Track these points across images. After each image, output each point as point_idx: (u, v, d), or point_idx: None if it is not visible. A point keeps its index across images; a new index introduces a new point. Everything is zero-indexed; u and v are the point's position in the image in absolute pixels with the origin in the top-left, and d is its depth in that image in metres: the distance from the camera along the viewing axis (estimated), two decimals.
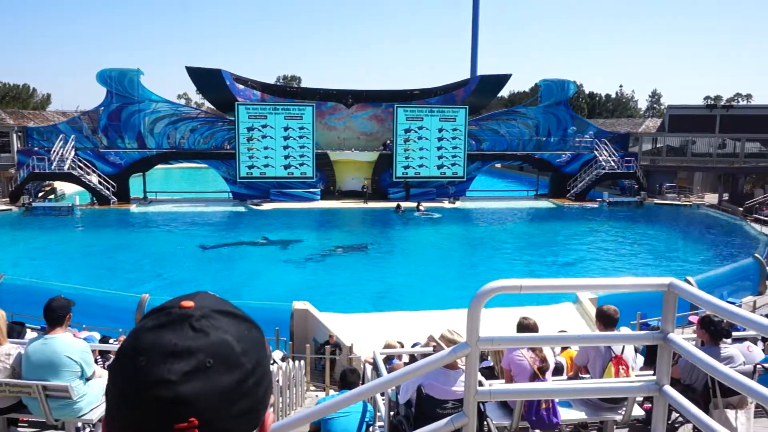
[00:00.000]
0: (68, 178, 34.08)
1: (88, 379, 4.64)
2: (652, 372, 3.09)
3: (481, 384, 2.94)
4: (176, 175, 54.61)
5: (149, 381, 0.71)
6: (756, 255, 19.97)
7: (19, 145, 34.94)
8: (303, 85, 71.01)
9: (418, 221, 32.47)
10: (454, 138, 38.33)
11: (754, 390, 2.11)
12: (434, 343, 4.40)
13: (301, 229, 29.40)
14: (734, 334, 6.37)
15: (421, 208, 34.73)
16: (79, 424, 4.84)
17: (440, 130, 38.15)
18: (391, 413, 4.84)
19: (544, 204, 38.86)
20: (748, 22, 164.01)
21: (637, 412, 5.11)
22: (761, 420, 4.86)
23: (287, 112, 36.52)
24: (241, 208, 35.33)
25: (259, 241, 26.96)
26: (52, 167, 33.29)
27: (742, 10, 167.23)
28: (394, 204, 35.81)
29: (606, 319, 5.31)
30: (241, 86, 37.23)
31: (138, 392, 0.72)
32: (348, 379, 5.59)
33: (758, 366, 4.99)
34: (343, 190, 38.61)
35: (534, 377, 4.86)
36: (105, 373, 4.68)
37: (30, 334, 7.41)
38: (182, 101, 75.31)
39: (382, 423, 5.06)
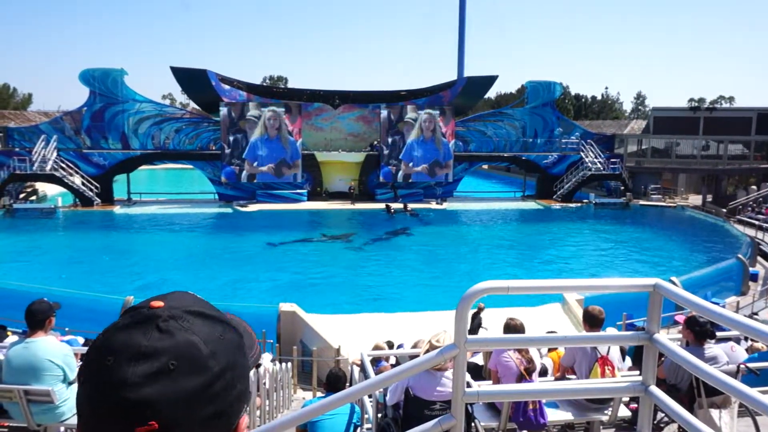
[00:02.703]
0: (50, 179, 33.61)
1: (70, 383, 4.57)
2: (638, 372, 3.10)
3: (469, 385, 2.94)
4: (161, 176, 54.14)
5: (113, 382, 0.71)
6: (739, 256, 20.24)
7: None
8: (289, 85, 70.99)
9: (405, 222, 32.48)
10: None
11: (737, 389, 2.13)
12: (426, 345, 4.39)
13: (288, 231, 29.27)
14: (718, 334, 6.44)
15: (408, 208, 34.77)
16: (62, 429, 4.76)
17: None
18: (379, 415, 4.82)
19: (531, 205, 39.08)
20: (731, 25, 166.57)
21: (624, 412, 5.14)
22: (744, 419, 4.91)
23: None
24: (227, 210, 35.11)
25: (316, 238, 28.01)
26: (34, 168, 32.79)
27: (725, 13, 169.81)
28: (381, 205, 35.83)
29: (592, 320, 5.34)
30: (226, 86, 37.02)
31: (102, 393, 0.72)
32: (334, 381, 5.57)
33: (741, 366, 5.04)
34: (330, 191, 38.53)
35: (520, 378, 4.88)
36: None
37: (11, 338, 7.29)
38: (167, 102, 74.80)
39: (369, 425, 5.05)
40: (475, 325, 11.24)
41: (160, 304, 0.78)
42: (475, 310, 11.42)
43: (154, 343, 0.73)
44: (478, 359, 6.70)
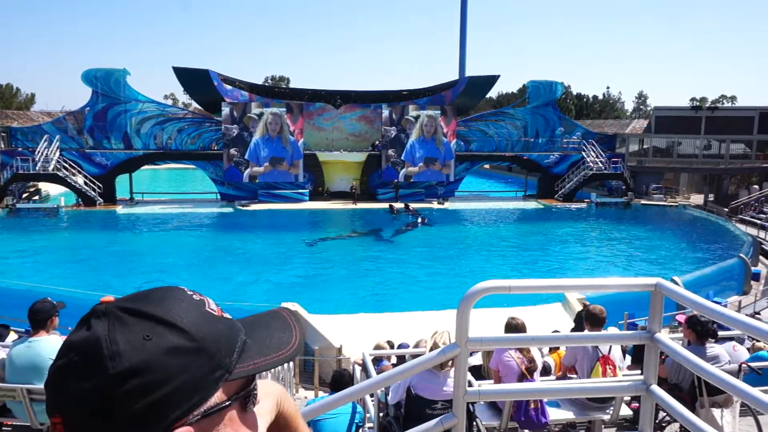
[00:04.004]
0: (53, 179, 33.65)
1: None
2: (639, 371, 3.11)
3: (470, 384, 2.94)
4: (163, 176, 54.20)
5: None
6: (741, 255, 20.22)
7: (2, 146, 34.44)
8: (291, 85, 70.91)
9: (407, 222, 32.42)
10: None
11: (739, 389, 2.14)
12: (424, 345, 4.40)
13: (289, 230, 29.30)
14: (720, 333, 6.44)
15: (410, 208, 34.72)
16: None
17: None
18: (381, 414, 4.83)
19: (533, 205, 39.05)
20: (733, 25, 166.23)
21: (625, 411, 5.14)
22: (746, 418, 4.91)
23: None
24: (229, 209, 35.15)
25: (349, 234, 28.81)
26: (37, 168, 32.81)
27: (727, 12, 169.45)
28: (382, 205, 35.80)
29: (593, 319, 5.35)
30: (228, 87, 37.03)
31: None
32: (339, 382, 5.58)
33: (743, 365, 5.04)
34: (331, 191, 38.54)
35: (522, 378, 4.88)
36: None
37: (13, 337, 7.31)
38: (169, 102, 74.86)
39: (371, 424, 5.06)
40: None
41: (110, 299, 0.78)
42: (580, 309, 10.85)
43: (72, 338, 0.73)
44: (477, 359, 6.68)
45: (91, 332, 0.71)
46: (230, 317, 0.84)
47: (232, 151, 35.52)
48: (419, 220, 32.11)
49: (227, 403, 0.76)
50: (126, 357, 0.69)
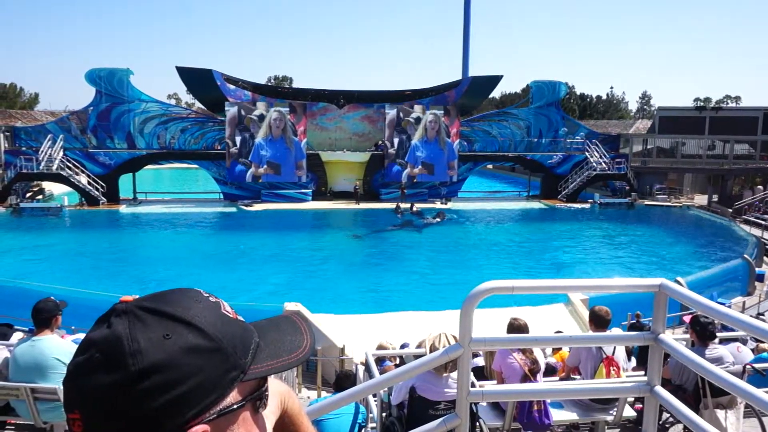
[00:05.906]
0: (57, 178, 33.75)
1: None
2: (643, 372, 3.10)
3: (473, 385, 2.94)
4: (166, 175, 54.29)
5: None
6: (745, 256, 20.15)
7: (6, 145, 34.50)
8: (294, 85, 70.94)
9: (411, 222, 32.38)
10: None
11: (743, 390, 2.12)
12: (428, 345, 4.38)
13: (292, 230, 29.30)
14: (724, 334, 6.43)
15: (415, 208, 34.66)
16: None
17: None
18: (384, 414, 4.83)
19: (536, 205, 38.98)
20: (737, 25, 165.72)
21: (629, 412, 5.13)
22: (750, 420, 4.89)
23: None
24: (232, 209, 35.19)
25: (389, 228, 29.14)
26: (40, 167, 32.91)
27: (731, 12, 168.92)
28: (385, 205, 35.76)
29: (598, 321, 5.32)
30: (231, 86, 37.07)
31: None
32: (343, 383, 5.58)
33: (747, 366, 5.02)
34: (334, 191, 38.55)
35: (525, 379, 4.87)
36: None
37: (17, 336, 7.32)
38: (172, 101, 74.96)
39: (374, 424, 5.06)
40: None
41: (130, 298, 0.79)
42: (633, 321, 10.57)
43: (93, 335, 0.74)
44: (479, 361, 6.67)
45: (112, 330, 0.73)
46: (243, 320, 0.85)
47: (234, 149, 35.55)
48: (435, 219, 32.00)
49: (241, 404, 0.78)
50: (146, 355, 0.70)
